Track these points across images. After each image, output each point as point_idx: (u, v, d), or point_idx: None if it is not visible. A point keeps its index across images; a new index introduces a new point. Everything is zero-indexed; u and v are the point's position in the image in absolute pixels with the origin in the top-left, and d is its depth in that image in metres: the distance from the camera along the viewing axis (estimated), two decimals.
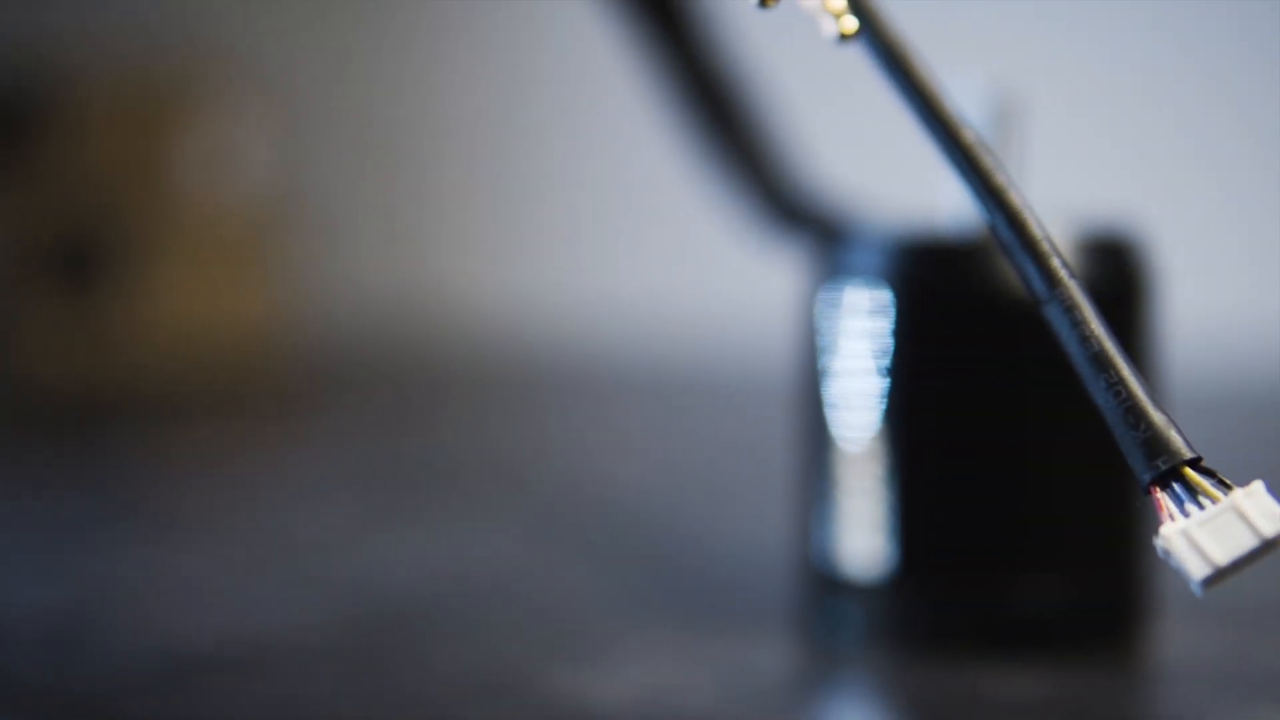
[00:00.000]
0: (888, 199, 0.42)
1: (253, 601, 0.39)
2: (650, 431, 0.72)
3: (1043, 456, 0.33)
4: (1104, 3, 0.89)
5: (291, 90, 1.05)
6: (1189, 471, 0.22)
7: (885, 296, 0.33)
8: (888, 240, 0.33)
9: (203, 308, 0.86)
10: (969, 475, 0.33)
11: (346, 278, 1.07)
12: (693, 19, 0.37)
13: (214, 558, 0.44)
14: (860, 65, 0.26)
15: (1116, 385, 0.22)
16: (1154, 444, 0.22)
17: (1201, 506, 0.21)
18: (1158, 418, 0.22)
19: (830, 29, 0.25)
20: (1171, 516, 0.21)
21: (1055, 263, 0.23)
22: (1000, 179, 0.24)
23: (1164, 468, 0.22)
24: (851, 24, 0.25)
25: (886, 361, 0.33)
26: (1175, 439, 0.22)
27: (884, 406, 0.33)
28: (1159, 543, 0.21)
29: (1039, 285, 0.23)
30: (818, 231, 0.37)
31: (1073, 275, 0.23)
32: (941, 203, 0.34)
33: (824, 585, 0.34)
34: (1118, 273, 0.33)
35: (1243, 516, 0.21)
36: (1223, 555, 0.21)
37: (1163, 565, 0.22)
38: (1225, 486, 0.21)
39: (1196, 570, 0.21)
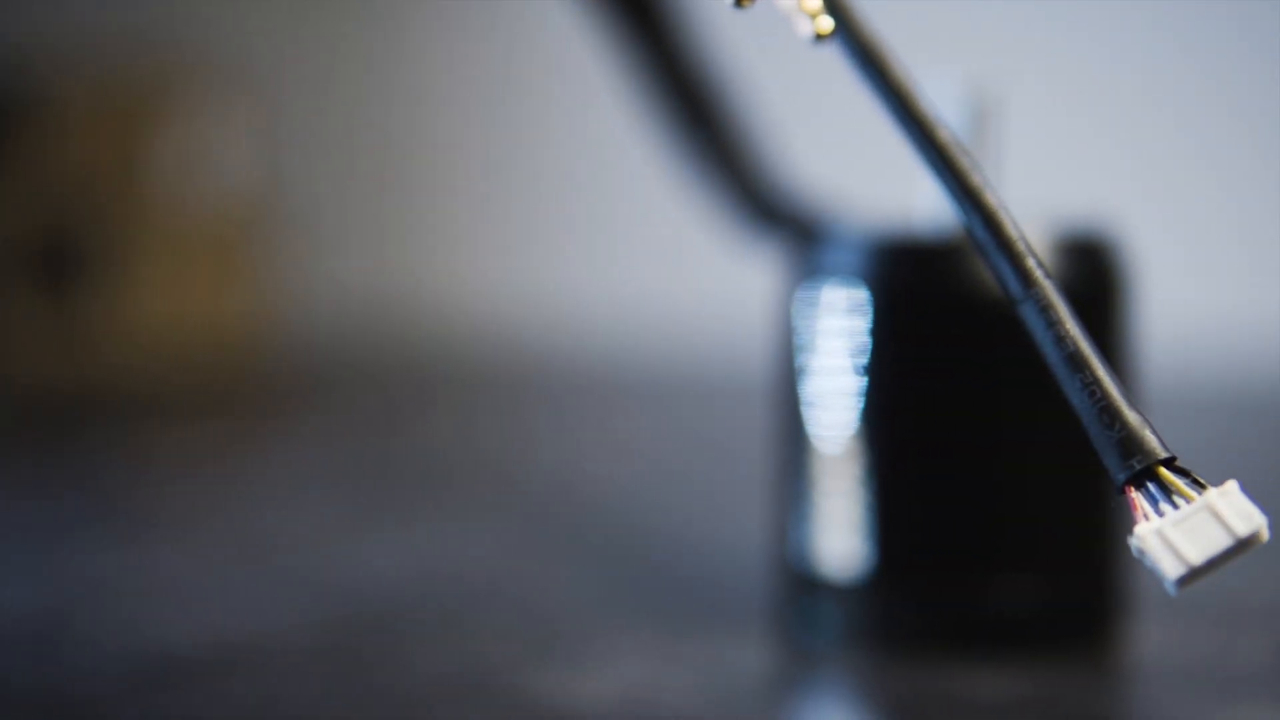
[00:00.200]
0: (865, 199, 0.42)
1: (233, 602, 0.39)
2: (629, 431, 0.72)
3: (1019, 456, 0.33)
4: (1081, 2, 0.89)
5: (273, 89, 1.05)
6: (1163, 471, 0.22)
7: (862, 296, 0.33)
8: (865, 240, 0.33)
9: (183, 307, 0.86)
10: (945, 475, 0.33)
11: (328, 277, 1.07)
12: (670, 19, 0.37)
13: (195, 558, 0.44)
14: (837, 65, 0.26)
15: (1091, 385, 0.22)
16: (1128, 444, 0.22)
17: (1176, 506, 0.21)
18: (1132, 417, 0.22)
19: (806, 29, 0.25)
20: (1146, 516, 0.21)
21: (1030, 263, 0.23)
22: (976, 179, 0.24)
23: (1138, 467, 0.22)
24: (827, 24, 0.25)
25: (863, 361, 0.33)
26: (1150, 439, 0.22)
27: (861, 407, 0.33)
28: (1133, 542, 0.21)
29: (1014, 285, 0.23)
30: (795, 231, 0.37)
31: (1048, 275, 0.23)
32: (918, 203, 0.34)
33: (801, 585, 0.34)
34: (1093, 273, 0.33)
35: (1217, 516, 0.21)
36: (1197, 555, 0.21)
37: (1138, 565, 0.22)
38: (1199, 486, 0.21)
39: (1171, 570, 0.21)
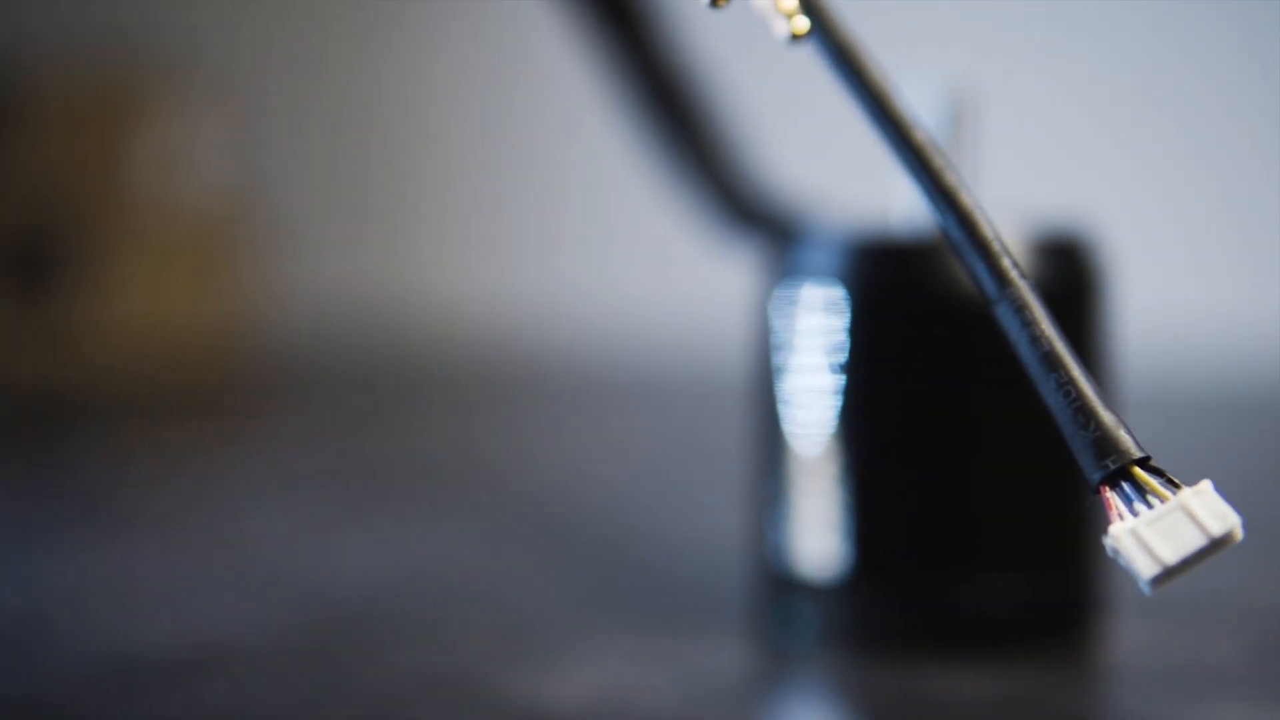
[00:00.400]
0: (842, 198, 0.42)
1: (211, 604, 0.39)
2: (606, 430, 0.72)
3: (997, 456, 0.33)
4: (1058, 2, 0.89)
5: (252, 89, 1.05)
6: (1138, 471, 0.22)
7: (839, 296, 0.33)
8: (842, 240, 0.33)
9: (162, 307, 0.86)
10: (923, 475, 0.33)
11: (308, 277, 1.07)
12: (647, 19, 0.37)
13: (173, 560, 0.44)
14: (814, 65, 0.26)
15: (1066, 385, 0.22)
16: (1103, 443, 0.22)
17: (1150, 506, 0.21)
18: (1107, 417, 0.22)
19: (782, 29, 0.25)
20: (1120, 516, 0.21)
21: (1006, 263, 0.23)
22: (951, 179, 0.24)
23: (1113, 467, 0.22)
24: (803, 24, 0.25)
25: (841, 361, 0.33)
26: (1124, 438, 0.22)
27: (839, 406, 0.33)
28: (1108, 542, 0.21)
29: (989, 285, 0.23)
30: (773, 231, 0.37)
31: (1023, 275, 0.23)
32: (895, 202, 0.34)
33: (779, 585, 0.34)
34: (1069, 272, 0.33)
35: (1191, 516, 0.21)
36: (1171, 554, 0.21)
37: (1115, 564, 0.22)
38: (1174, 486, 0.22)
39: (1145, 569, 0.21)
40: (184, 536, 0.47)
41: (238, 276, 0.94)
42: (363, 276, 1.08)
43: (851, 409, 0.33)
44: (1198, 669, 0.33)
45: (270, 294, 1.03)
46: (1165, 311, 0.83)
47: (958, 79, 0.34)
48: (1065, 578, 0.34)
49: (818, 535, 0.33)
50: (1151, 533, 0.21)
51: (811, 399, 0.33)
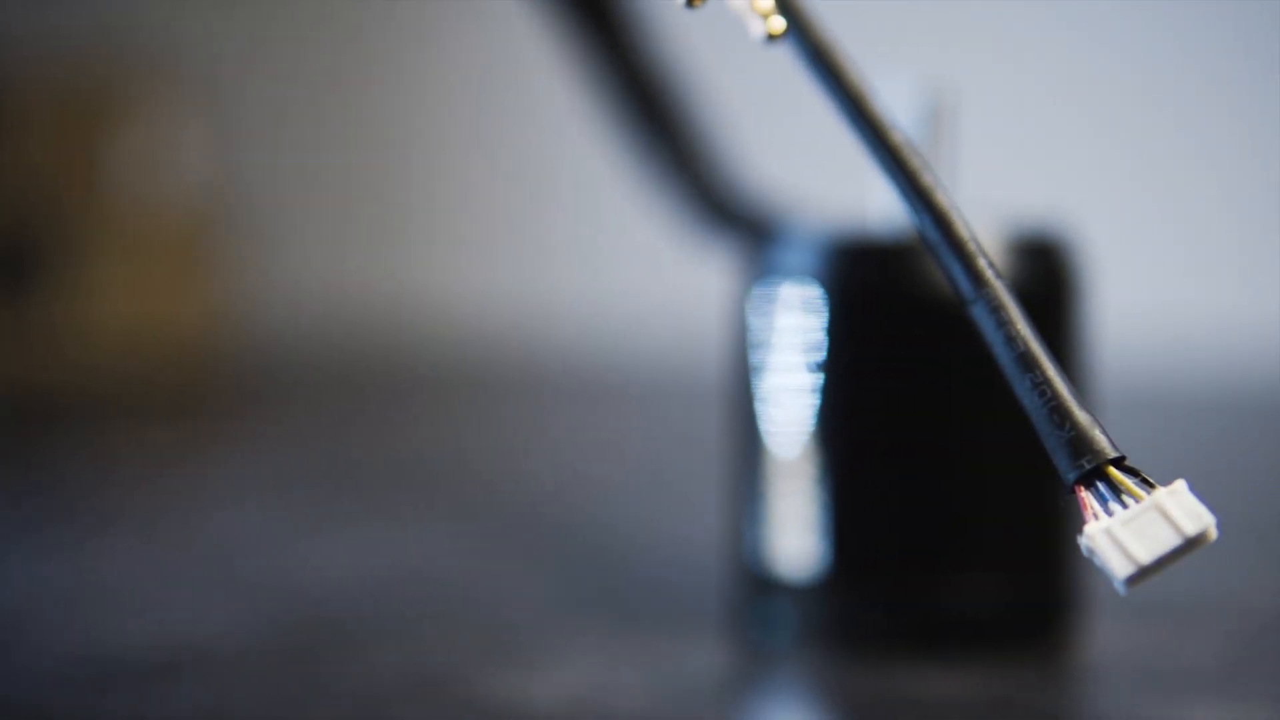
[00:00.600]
0: (820, 198, 0.42)
1: (188, 605, 0.38)
2: (584, 430, 0.72)
3: (974, 456, 0.33)
4: (1036, 3, 0.90)
5: (232, 90, 1.05)
6: (1113, 470, 0.22)
7: (816, 296, 0.33)
8: (819, 240, 0.33)
9: (142, 308, 0.86)
10: (901, 475, 0.33)
11: (289, 277, 1.07)
12: (625, 19, 0.37)
13: (150, 561, 0.44)
14: (791, 65, 0.26)
15: (1042, 385, 0.22)
16: (1078, 443, 0.22)
17: (1125, 505, 0.21)
18: (1082, 417, 0.22)
19: (758, 29, 0.25)
20: (1095, 515, 0.22)
21: (981, 263, 0.23)
22: (927, 179, 0.24)
23: (1088, 467, 0.22)
24: (779, 24, 0.25)
25: (818, 361, 0.33)
26: (1099, 438, 0.22)
27: (816, 406, 0.33)
28: (1083, 541, 0.21)
29: (965, 285, 0.23)
30: (750, 231, 0.37)
31: (999, 275, 0.23)
32: (873, 203, 0.35)
33: (757, 585, 0.34)
34: (1045, 273, 0.33)
35: (1165, 515, 0.21)
36: (1145, 554, 0.21)
37: (1092, 564, 0.22)
38: (1148, 485, 0.22)
39: (1120, 569, 0.21)
40: (164, 537, 0.47)
41: (220, 276, 0.94)
42: (345, 276, 1.07)
43: (829, 409, 0.33)
44: (1175, 669, 0.33)
45: (252, 294, 1.03)
46: (1142, 311, 0.84)
47: (935, 79, 0.34)
48: (1043, 578, 0.34)
49: (795, 535, 0.33)
50: (1126, 532, 0.21)
51: (789, 398, 0.34)
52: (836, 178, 0.41)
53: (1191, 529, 0.21)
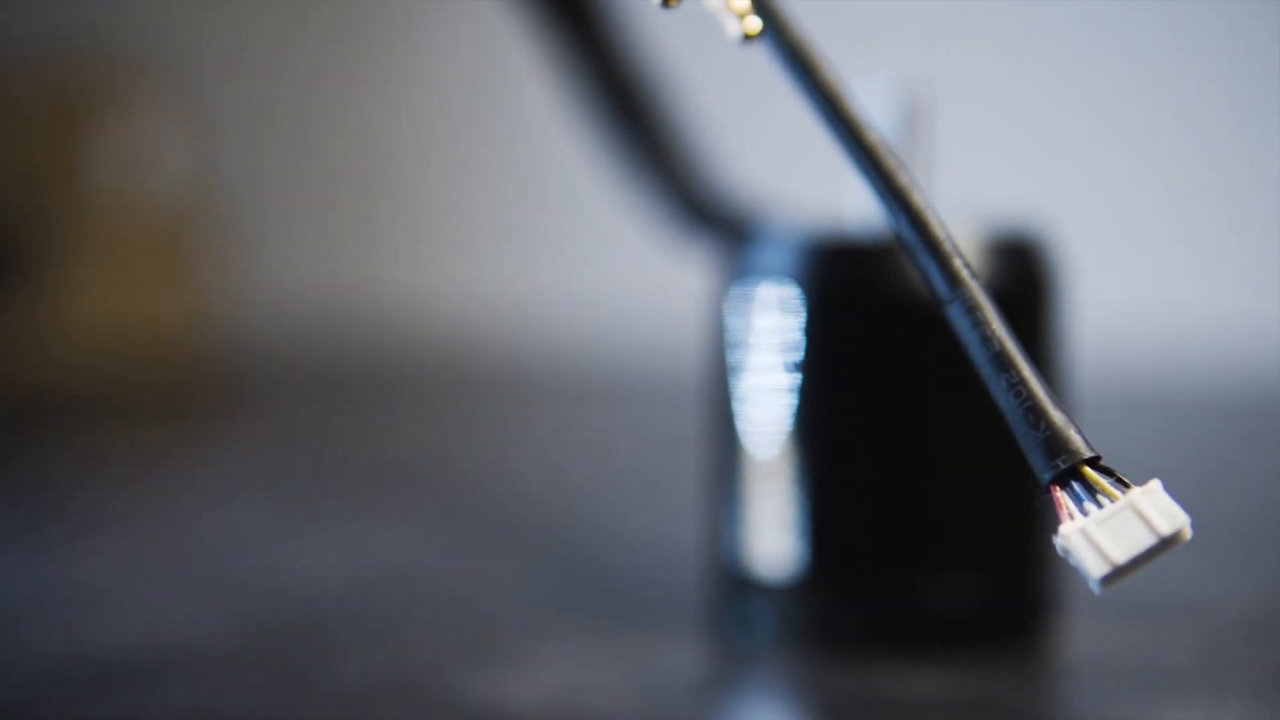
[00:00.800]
0: (797, 199, 0.42)
1: (171, 606, 0.38)
2: (563, 430, 0.72)
3: (950, 456, 0.33)
4: (1012, 3, 0.90)
5: (213, 87, 1.04)
6: (1088, 470, 0.22)
7: (793, 296, 0.33)
8: (797, 240, 0.33)
9: (124, 307, 0.86)
10: (879, 475, 0.33)
11: (270, 276, 1.07)
12: (602, 18, 0.37)
13: (132, 562, 0.43)
14: (767, 66, 0.26)
15: (1017, 385, 0.22)
16: (1053, 443, 0.22)
17: (1100, 505, 0.21)
18: (1057, 417, 0.22)
19: (734, 29, 0.25)
20: (1071, 515, 0.22)
21: (957, 263, 0.23)
22: (903, 180, 0.24)
23: (1063, 467, 0.22)
24: (755, 24, 0.25)
25: (795, 362, 0.33)
26: (1075, 438, 0.22)
27: (793, 407, 0.33)
28: (1058, 541, 0.21)
29: (941, 286, 0.23)
30: (728, 231, 0.37)
31: (974, 276, 0.23)
32: (850, 203, 0.35)
33: (735, 585, 0.34)
34: (1021, 273, 0.33)
35: (1140, 515, 0.21)
36: (1120, 553, 0.21)
37: (1067, 564, 0.22)
38: (1124, 485, 0.22)
39: (1095, 568, 0.21)
40: (147, 537, 0.47)
41: (202, 275, 0.93)
42: (328, 275, 1.07)
43: (807, 409, 0.33)
44: (1153, 669, 0.33)
45: (235, 293, 1.02)
46: (1119, 311, 0.84)
47: (911, 78, 0.35)
48: (1021, 577, 0.34)
49: (773, 535, 0.33)
50: (1101, 532, 0.21)
51: (767, 398, 0.34)
52: (814, 178, 0.41)
53: (1166, 528, 0.21)
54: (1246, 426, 0.72)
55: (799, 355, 0.33)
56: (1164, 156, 0.88)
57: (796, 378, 0.33)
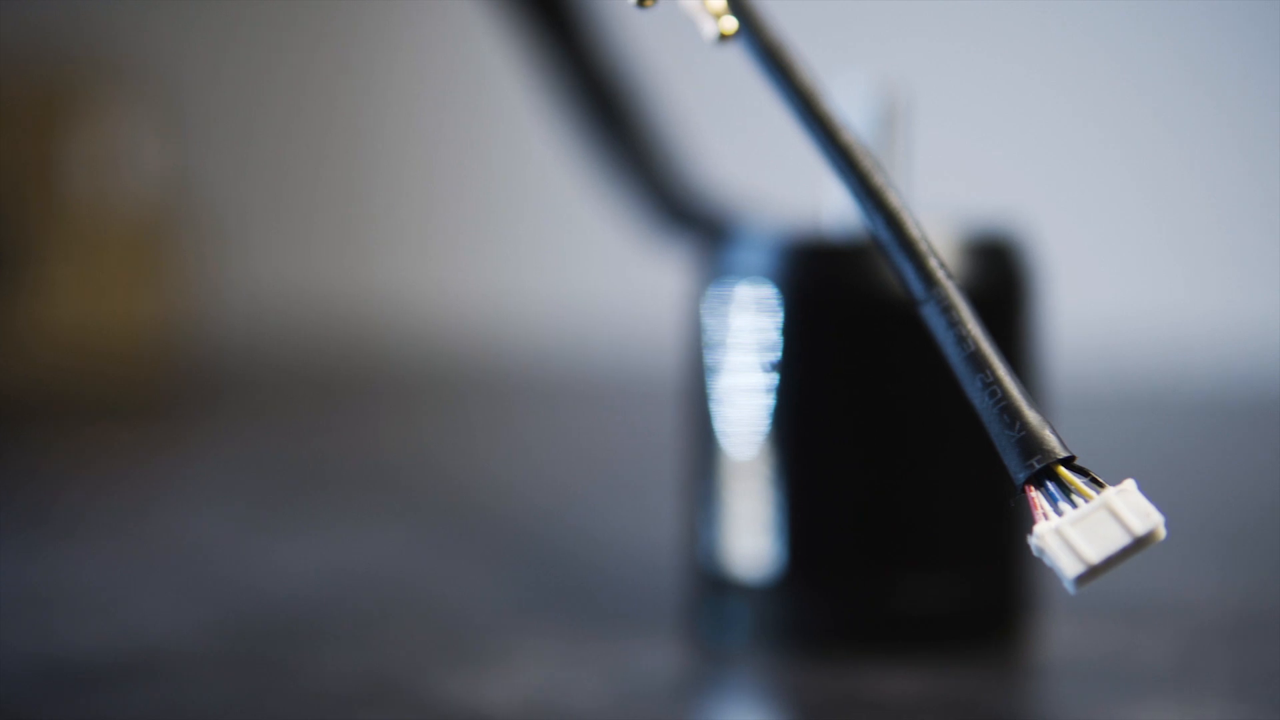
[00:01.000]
0: (774, 199, 0.42)
1: (146, 607, 0.38)
2: (539, 431, 0.72)
3: (927, 455, 0.33)
4: (988, 2, 0.90)
5: (188, 88, 1.04)
6: (1063, 470, 0.22)
7: (770, 296, 0.33)
8: (774, 240, 0.33)
9: (99, 308, 0.85)
10: (854, 475, 0.33)
11: (247, 277, 1.06)
12: (579, 18, 0.37)
13: (107, 563, 0.43)
14: (743, 65, 0.26)
15: (992, 385, 0.22)
16: (1028, 443, 0.22)
17: (1075, 505, 0.21)
18: (1032, 417, 0.22)
19: (710, 29, 0.25)
20: (1045, 515, 0.22)
21: (932, 263, 0.23)
22: (878, 180, 0.24)
23: (1038, 466, 0.22)
24: (731, 24, 0.25)
25: (772, 362, 0.33)
26: (1049, 438, 0.22)
27: (770, 406, 0.33)
28: (1033, 541, 0.21)
29: (916, 286, 0.23)
30: (705, 231, 0.37)
31: (950, 276, 0.23)
32: (826, 203, 0.35)
33: (712, 585, 0.34)
34: (997, 273, 0.33)
35: (1115, 514, 0.21)
36: (1095, 553, 0.21)
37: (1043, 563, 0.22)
38: (1098, 485, 0.22)
39: (1069, 568, 0.21)
40: (123, 538, 0.47)
41: (179, 276, 0.93)
42: (305, 276, 1.07)
43: (783, 409, 0.33)
44: (1130, 668, 0.33)
45: (212, 294, 1.02)
46: (1097, 311, 0.84)
47: (887, 79, 0.35)
48: (998, 577, 0.34)
49: (750, 535, 0.33)
50: (1075, 532, 0.21)
51: (744, 398, 0.34)
52: (790, 178, 0.41)
53: (1140, 528, 0.21)
54: (1223, 427, 0.72)
55: (776, 355, 0.33)
56: (1142, 156, 0.89)
57: (773, 378, 0.33)
